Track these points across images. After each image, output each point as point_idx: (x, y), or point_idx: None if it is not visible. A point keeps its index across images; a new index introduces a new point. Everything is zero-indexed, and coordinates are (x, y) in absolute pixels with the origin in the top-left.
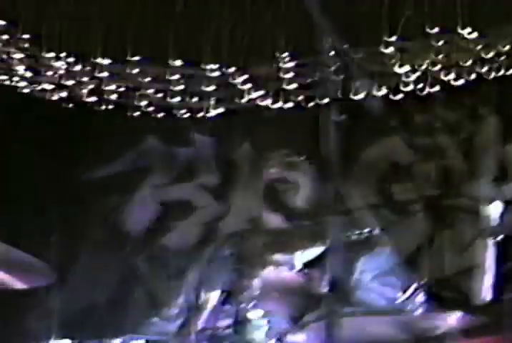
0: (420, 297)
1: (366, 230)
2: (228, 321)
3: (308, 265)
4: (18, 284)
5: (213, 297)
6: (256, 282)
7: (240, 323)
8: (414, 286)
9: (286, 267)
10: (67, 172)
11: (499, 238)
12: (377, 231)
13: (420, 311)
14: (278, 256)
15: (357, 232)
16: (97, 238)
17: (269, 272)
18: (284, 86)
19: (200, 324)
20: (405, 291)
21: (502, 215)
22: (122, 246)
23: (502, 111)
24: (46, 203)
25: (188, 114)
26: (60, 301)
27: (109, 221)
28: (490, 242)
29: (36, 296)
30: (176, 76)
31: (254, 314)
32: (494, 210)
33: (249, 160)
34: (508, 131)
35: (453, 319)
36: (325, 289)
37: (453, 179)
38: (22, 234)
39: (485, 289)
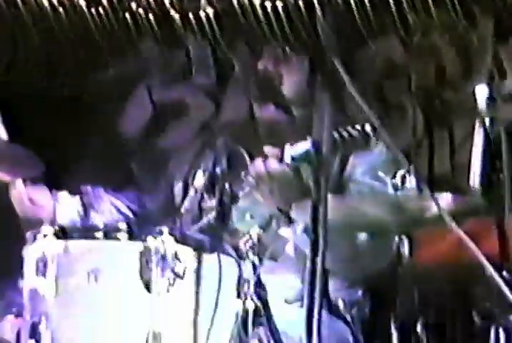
0: (409, 182)
1: (357, 126)
2: (212, 203)
3: (296, 159)
4: (5, 177)
5: (197, 179)
6: (245, 173)
7: (224, 208)
8: (402, 171)
9: (275, 160)
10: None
11: (486, 121)
12: (368, 127)
13: (410, 192)
14: (268, 149)
15: (348, 128)
16: (97, 145)
17: (258, 164)
18: None
19: (185, 206)
20: (393, 177)
21: (488, 99)
22: (119, 150)
23: (496, 11)
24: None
25: (180, 15)
26: None
27: (108, 127)
28: (477, 126)
29: None
30: None
31: (239, 202)
32: (479, 93)
33: (243, 56)
34: (502, 30)
35: (443, 200)
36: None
37: (447, 77)
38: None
39: (473, 176)
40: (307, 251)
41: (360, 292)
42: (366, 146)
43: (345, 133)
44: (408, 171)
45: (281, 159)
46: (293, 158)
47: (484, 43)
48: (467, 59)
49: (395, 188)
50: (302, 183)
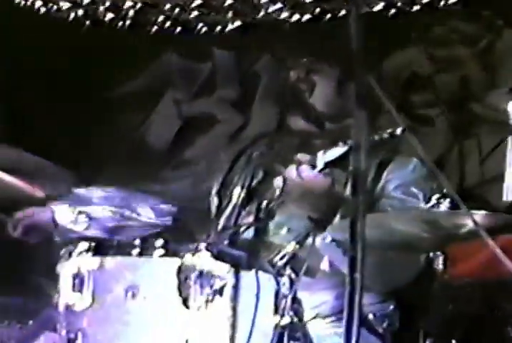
0: (445, 205)
1: (388, 130)
2: (249, 220)
3: (330, 165)
4: (38, 192)
5: (235, 195)
6: (278, 181)
7: (261, 222)
8: (436, 196)
9: (308, 167)
10: (89, 91)
11: None
12: (399, 132)
13: (444, 208)
14: (300, 156)
15: (379, 132)
16: (122, 154)
17: (291, 171)
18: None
19: (222, 222)
20: (428, 202)
21: None
22: (146, 161)
23: None
24: (71, 122)
25: (205, 29)
26: None
27: (133, 138)
28: (510, 141)
29: None
30: None
31: (275, 215)
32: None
33: (271, 69)
34: None
35: (478, 217)
36: (347, 191)
37: (471, 89)
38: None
39: (507, 190)
40: (342, 267)
41: (391, 307)
42: (396, 153)
43: (376, 137)
44: (443, 190)
45: (314, 166)
46: (326, 164)
47: (509, 54)
48: (491, 71)
49: (430, 205)
50: (334, 191)
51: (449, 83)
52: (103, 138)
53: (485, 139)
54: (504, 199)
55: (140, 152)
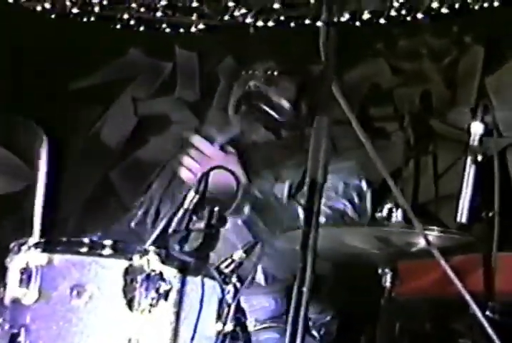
0: (396, 217)
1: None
2: (201, 225)
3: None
4: None
5: (187, 199)
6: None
7: (212, 228)
8: (388, 206)
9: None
10: (52, 83)
11: (479, 158)
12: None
13: (397, 227)
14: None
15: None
16: (78, 148)
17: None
18: (269, 5)
19: (172, 226)
20: (380, 211)
21: (481, 137)
22: (100, 157)
23: (487, 41)
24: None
25: (170, 29)
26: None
27: (90, 132)
28: (469, 162)
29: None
30: None
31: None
32: (474, 130)
33: (230, 73)
34: (492, 60)
35: (431, 236)
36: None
37: (432, 105)
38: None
39: (461, 212)
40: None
41: (328, 318)
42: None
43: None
44: (396, 204)
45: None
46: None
47: (472, 72)
48: (454, 88)
49: (382, 215)
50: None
51: (410, 98)
52: (60, 132)
53: (441, 157)
54: (458, 220)
55: (93, 149)
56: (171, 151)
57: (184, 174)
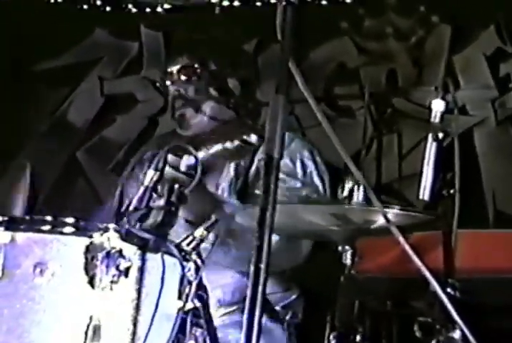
0: (357, 196)
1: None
2: (160, 203)
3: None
4: None
5: (147, 177)
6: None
7: (171, 205)
8: (349, 185)
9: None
10: (17, 64)
11: (440, 135)
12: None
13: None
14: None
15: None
16: (45, 128)
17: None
18: None
19: (132, 203)
20: (342, 190)
21: (442, 114)
22: (66, 137)
23: (454, 19)
24: None
25: (136, 9)
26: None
27: (57, 112)
28: (430, 140)
29: None
30: None
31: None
32: (435, 107)
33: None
34: (459, 39)
35: (390, 214)
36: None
37: (398, 84)
38: None
39: (423, 189)
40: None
41: (294, 296)
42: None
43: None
44: (357, 184)
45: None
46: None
47: (439, 51)
48: (420, 67)
49: (344, 194)
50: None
51: (376, 77)
52: (26, 113)
53: (406, 135)
54: (420, 197)
55: (60, 129)
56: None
57: None
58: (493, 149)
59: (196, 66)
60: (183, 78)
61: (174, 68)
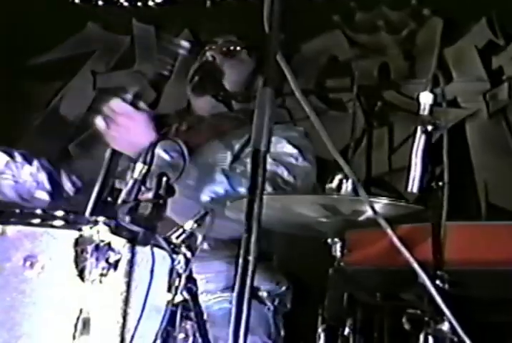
0: (346, 188)
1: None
2: (149, 195)
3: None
4: None
5: (136, 170)
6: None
7: (160, 198)
8: (338, 176)
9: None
10: (10, 59)
11: (428, 128)
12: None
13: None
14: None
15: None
16: (38, 121)
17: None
18: None
19: (121, 196)
20: (331, 181)
21: (431, 107)
22: (59, 131)
23: (446, 12)
24: None
25: (128, 3)
26: None
27: (50, 106)
28: (418, 132)
29: None
30: None
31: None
32: (423, 100)
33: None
34: (451, 32)
35: (378, 205)
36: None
37: (390, 77)
38: None
39: (412, 182)
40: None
41: (283, 288)
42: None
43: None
44: (346, 175)
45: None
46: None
47: (431, 44)
48: (412, 60)
49: (333, 185)
50: None
51: (368, 70)
52: (19, 108)
53: (398, 128)
54: (409, 190)
55: (52, 122)
56: None
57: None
58: (485, 141)
59: (238, 48)
60: (224, 49)
61: (223, 39)
